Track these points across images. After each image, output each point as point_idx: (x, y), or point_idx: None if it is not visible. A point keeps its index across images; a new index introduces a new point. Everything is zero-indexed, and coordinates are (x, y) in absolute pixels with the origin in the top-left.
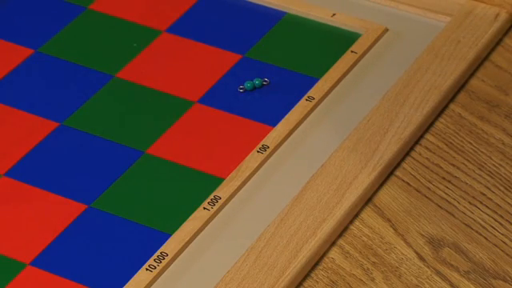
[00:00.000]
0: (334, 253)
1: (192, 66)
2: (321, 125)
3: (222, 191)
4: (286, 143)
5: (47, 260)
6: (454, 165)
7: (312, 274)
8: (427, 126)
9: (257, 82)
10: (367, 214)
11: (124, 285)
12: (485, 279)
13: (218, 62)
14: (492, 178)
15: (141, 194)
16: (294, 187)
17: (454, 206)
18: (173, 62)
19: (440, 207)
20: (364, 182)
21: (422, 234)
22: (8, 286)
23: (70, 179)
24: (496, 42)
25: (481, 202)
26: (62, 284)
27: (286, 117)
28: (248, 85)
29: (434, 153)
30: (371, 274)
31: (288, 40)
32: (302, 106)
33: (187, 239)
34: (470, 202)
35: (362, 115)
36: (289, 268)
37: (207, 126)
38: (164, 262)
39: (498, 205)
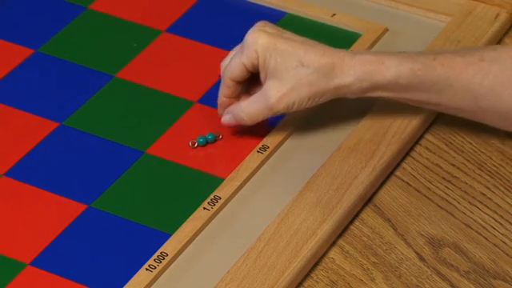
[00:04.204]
0: (334, 253)
1: (192, 66)
2: (321, 125)
3: (222, 191)
4: (286, 143)
5: (47, 260)
6: (454, 165)
7: (312, 274)
8: (427, 126)
9: None
10: (367, 214)
11: (124, 285)
12: (485, 279)
13: (218, 62)
14: (492, 178)
15: (141, 194)
16: (294, 187)
17: (453, 206)
18: (173, 62)
19: (440, 207)
20: (364, 181)
21: (421, 234)
22: (8, 286)
23: (70, 179)
24: (496, 42)
25: (481, 202)
26: (62, 284)
27: (286, 117)
28: None
29: (434, 153)
30: (371, 274)
31: None
32: None
33: (187, 239)
34: (469, 202)
35: (362, 115)
36: (289, 268)
37: (207, 126)
38: (164, 262)
39: (497, 205)
